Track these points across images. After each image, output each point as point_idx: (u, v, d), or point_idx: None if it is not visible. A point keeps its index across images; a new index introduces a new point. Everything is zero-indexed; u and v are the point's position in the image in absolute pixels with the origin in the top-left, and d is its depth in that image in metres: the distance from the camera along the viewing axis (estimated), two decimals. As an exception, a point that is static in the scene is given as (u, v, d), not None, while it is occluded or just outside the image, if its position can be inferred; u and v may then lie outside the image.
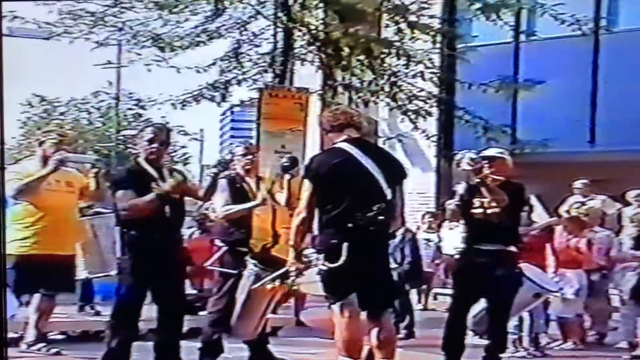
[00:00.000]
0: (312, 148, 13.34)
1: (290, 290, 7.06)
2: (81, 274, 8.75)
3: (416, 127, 15.70)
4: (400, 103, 15.54)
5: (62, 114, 31.46)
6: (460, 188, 8.25)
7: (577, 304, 10.28)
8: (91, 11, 15.18)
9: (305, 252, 6.44)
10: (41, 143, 8.28)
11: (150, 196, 7.11)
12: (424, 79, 15.39)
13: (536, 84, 15.67)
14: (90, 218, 8.70)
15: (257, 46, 15.56)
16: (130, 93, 29.51)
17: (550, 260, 10.21)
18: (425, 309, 12.87)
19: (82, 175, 8.23)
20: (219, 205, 7.96)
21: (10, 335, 7.80)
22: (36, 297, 7.94)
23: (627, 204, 12.41)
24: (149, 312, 7.40)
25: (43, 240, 7.88)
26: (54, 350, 8.13)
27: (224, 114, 16.38)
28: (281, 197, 7.74)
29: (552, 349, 10.17)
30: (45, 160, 8.03)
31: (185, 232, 10.97)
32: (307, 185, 6.37)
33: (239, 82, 15.73)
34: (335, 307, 6.27)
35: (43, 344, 8.11)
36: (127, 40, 15.66)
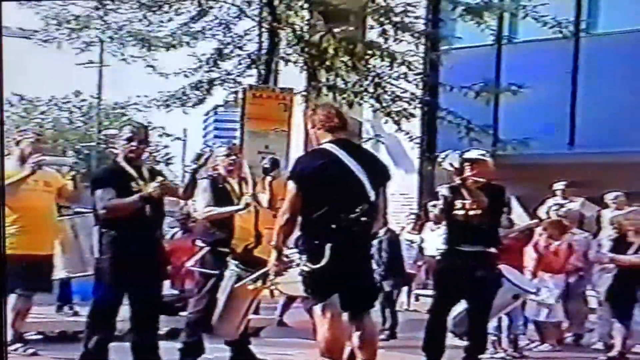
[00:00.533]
0: (296, 149, 13.41)
1: (271, 291, 7.06)
2: (60, 273, 8.70)
3: (400, 129, 15.70)
4: (384, 104, 15.53)
5: (42, 113, 31.35)
6: (442, 190, 8.29)
7: (558, 308, 10.27)
8: (76, 14, 15.06)
9: (288, 252, 6.39)
10: (18, 142, 8.25)
11: (133, 198, 7.10)
12: (407, 81, 15.39)
13: (518, 87, 15.64)
14: (70, 217, 8.62)
15: (240, 48, 15.49)
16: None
17: (530, 263, 10.17)
18: (407, 310, 12.85)
19: (60, 175, 8.26)
20: (201, 206, 7.94)
21: None
22: (12, 297, 7.87)
23: (605, 206, 12.40)
24: (127, 312, 7.37)
25: (20, 240, 7.80)
26: (30, 351, 8.14)
27: (207, 114, 16.32)
28: (263, 198, 7.78)
29: (530, 350, 10.17)
30: (22, 159, 8.00)
31: (168, 232, 10.98)
32: (291, 187, 6.30)
33: (222, 82, 15.68)
34: (317, 308, 6.24)
35: (20, 344, 8.10)
36: (110, 39, 15.53)
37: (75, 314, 9.46)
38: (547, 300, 10.02)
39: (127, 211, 7.12)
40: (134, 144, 7.31)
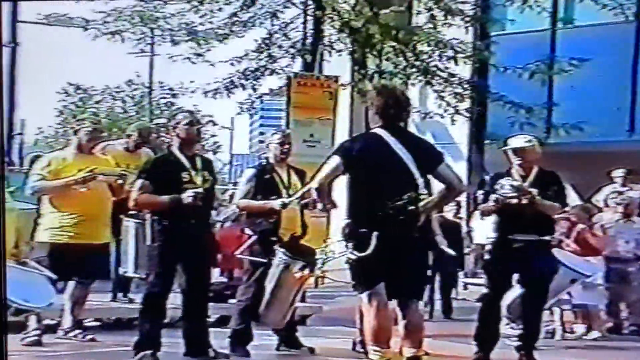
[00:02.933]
0: (342, 137, 13.42)
1: (316, 280, 7.12)
2: (120, 269, 8.79)
3: (457, 111, 15.59)
4: (435, 88, 15.50)
5: (97, 102, 31.73)
6: (490, 179, 8.26)
7: (601, 291, 10.26)
8: (130, 6, 15.25)
9: (335, 241, 6.44)
10: (76, 132, 8.41)
11: (163, 199, 7.24)
12: (456, 64, 15.32)
13: (579, 61, 15.51)
14: (129, 220, 8.78)
15: (286, 36, 15.55)
16: (162, 84, 29.68)
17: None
18: (455, 298, 12.84)
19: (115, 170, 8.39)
20: (237, 196, 8.09)
21: (48, 322, 8.01)
22: (70, 285, 8.02)
23: (664, 193, 12.33)
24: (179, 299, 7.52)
25: (78, 230, 7.97)
26: (89, 337, 8.23)
27: (253, 103, 16.42)
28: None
29: (580, 338, 10.14)
30: (80, 148, 8.19)
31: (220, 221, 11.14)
32: (333, 159, 6.29)
33: (270, 72, 15.75)
34: (364, 296, 6.26)
35: (79, 331, 8.20)
36: (161, 35, 15.70)
37: (130, 301, 9.56)
38: (596, 281, 9.95)
39: (156, 208, 7.30)
40: (194, 127, 7.48)
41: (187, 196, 7.16)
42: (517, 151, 8.05)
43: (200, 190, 7.27)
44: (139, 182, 7.37)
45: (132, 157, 9.09)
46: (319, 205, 6.73)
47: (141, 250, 8.07)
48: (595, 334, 10.24)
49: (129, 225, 8.36)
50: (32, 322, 7.80)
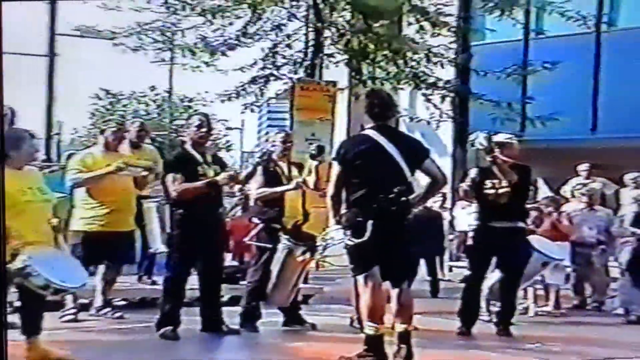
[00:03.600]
0: (339, 135, 13.44)
1: (317, 263, 7.11)
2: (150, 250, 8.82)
3: (442, 112, 15.54)
4: (422, 92, 15.45)
5: (124, 105, 31.84)
6: (473, 172, 8.28)
7: (568, 272, 10.25)
8: (152, 20, 15.14)
9: (334, 229, 6.39)
10: (102, 131, 8.47)
11: (200, 183, 7.26)
12: (442, 67, 15.26)
13: (551, 64, 15.39)
14: (149, 202, 8.70)
15: (289, 46, 15.49)
16: (183, 97, 29.76)
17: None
18: (441, 280, 12.82)
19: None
20: (254, 188, 8.01)
21: (82, 301, 7.99)
22: (101, 268, 8.03)
23: (624, 185, 12.32)
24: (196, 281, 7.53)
25: (108, 219, 7.96)
26: (117, 315, 8.22)
27: (261, 106, 16.46)
28: (310, 180, 7.81)
29: (551, 314, 10.07)
30: (107, 146, 8.19)
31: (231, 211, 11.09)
32: (335, 168, 6.34)
33: (275, 78, 15.71)
34: (360, 278, 6.24)
35: (109, 309, 8.20)
36: (181, 48, 15.61)
37: (153, 283, 9.56)
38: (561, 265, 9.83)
39: (194, 194, 7.24)
40: (203, 129, 7.47)
41: (222, 178, 7.33)
42: (499, 145, 8.03)
43: (234, 172, 7.56)
44: (171, 176, 7.35)
45: (139, 152, 8.90)
46: (331, 215, 6.54)
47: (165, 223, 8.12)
48: (562, 310, 10.21)
49: (150, 206, 8.49)
50: (69, 301, 7.78)
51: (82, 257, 7.32)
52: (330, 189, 6.37)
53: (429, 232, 10.96)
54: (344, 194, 6.32)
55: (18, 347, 6.01)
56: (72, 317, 7.83)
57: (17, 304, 6.24)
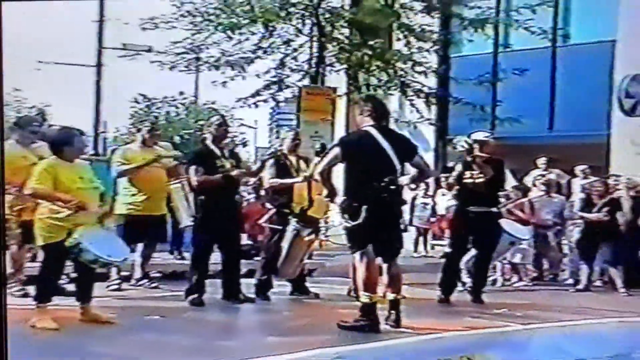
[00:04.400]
0: (339, 133, 13.42)
1: (320, 242, 7.14)
2: (186, 222, 8.68)
3: (422, 116, 15.50)
4: (408, 97, 15.42)
5: (157, 108, 31.93)
6: (455, 165, 8.28)
7: (529, 250, 10.20)
8: (183, 39, 15.14)
9: (334, 213, 6.39)
10: (139, 130, 8.50)
11: (218, 177, 7.26)
12: (426, 76, 15.24)
13: (521, 71, 15.29)
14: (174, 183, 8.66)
15: (296, 58, 15.47)
16: (211, 103, 29.80)
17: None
18: (425, 256, 12.83)
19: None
20: (266, 179, 8.00)
21: (124, 273, 7.98)
22: (139, 246, 8.03)
23: (574, 176, 12.28)
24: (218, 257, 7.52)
25: (144, 204, 7.94)
26: (153, 285, 8.22)
27: (272, 108, 16.48)
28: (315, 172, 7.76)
29: (512, 285, 10.07)
30: (143, 142, 8.18)
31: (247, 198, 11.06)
32: (334, 150, 6.32)
33: (285, 85, 15.70)
34: (357, 255, 6.25)
35: (146, 280, 8.21)
36: (207, 65, 15.54)
37: (182, 258, 9.57)
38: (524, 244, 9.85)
39: (212, 185, 7.24)
40: (222, 127, 7.51)
41: (235, 173, 7.32)
42: (477, 142, 8.07)
43: (244, 170, 7.45)
44: (193, 168, 7.36)
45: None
46: (325, 191, 6.60)
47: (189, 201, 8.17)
48: (524, 281, 10.19)
49: (176, 186, 8.39)
50: (114, 273, 7.81)
51: (124, 236, 7.33)
52: (320, 166, 6.37)
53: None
54: (343, 184, 6.30)
55: (74, 311, 6.08)
56: (116, 287, 7.84)
57: (73, 275, 6.25)
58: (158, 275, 8.75)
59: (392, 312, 6.19)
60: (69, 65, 26.01)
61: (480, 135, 8.30)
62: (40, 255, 6.35)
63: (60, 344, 5.50)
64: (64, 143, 6.18)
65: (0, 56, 3.72)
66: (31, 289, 6.56)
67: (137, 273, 8.15)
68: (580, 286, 9.78)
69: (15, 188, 6.68)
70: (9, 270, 7.10)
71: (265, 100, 15.75)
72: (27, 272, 7.07)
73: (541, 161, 12.69)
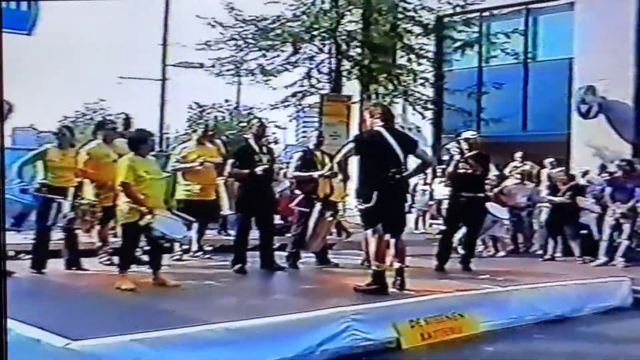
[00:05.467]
0: (353, 133, 13.36)
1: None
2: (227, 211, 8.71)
3: (423, 117, 15.43)
4: (411, 103, 15.37)
5: (207, 113, 32.07)
6: (451, 158, 8.23)
7: (507, 227, 10.24)
8: (229, 56, 15.15)
9: (351, 198, 6.35)
10: (194, 131, 8.62)
11: (245, 172, 7.18)
12: (424, 87, 15.17)
13: (499, 85, 15.45)
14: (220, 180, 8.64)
15: (319, 71, 15.42)
16: (249, 108, 29.85)
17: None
18: (424, 232, 12.80)
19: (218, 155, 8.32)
20: (291, 170, 8.02)
21: (184, 247, 7.98)
22: (195, 225, 7.96)
23: (543, 167, 12.35)
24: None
25: (199, 191, 7.93)
26: (206, 256, 8.22)
27: (298, 112, 16.40)
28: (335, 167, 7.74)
29: (494, 256, 10.05)
30: (198, 141, 8.14)
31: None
32: (349, 145, 6.29)
33: (309, 93, 15.67)
34: (369, 232, 6.22)
35: (201, 253, 8.21)
36: (246, 73, 15.50)
37: (228, 235, 9.55)
38: (504, 222, 9.85)
39: (240, 177, 7.24)
40: (261, 128, 7.55)
41: (259, 170, 7.19)
42: (467, 140, 8.04)
43: (266, 166, 7.27)
44: (231, 161, 7.38)
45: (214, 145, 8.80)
46: (340, 176, 6.56)
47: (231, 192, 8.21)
48: (503, 253, 10.19)
49: (221, 180, 8.36)
50: (176, 247, 7.83)
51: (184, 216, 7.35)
52: (337, 157, 6.32)
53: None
54: (357, 174, 6.24)
55: (147, 277, 6.11)
56: (178, 257, 7.87)
57: (146, 248, 6.29)
58: (210, 248, 8.78)
59: (398, 278, 6.16)
60: (140, 79, 26.27)
61: (468, 134, 8.27)
62: (121, 233, 6.37)
63: (136, 302, 5.54)
64: (140, 142, 6.22)
65: (0, 58, 3.17)
66: (115, 259, 6.65)
67: (194, 247, 8.16)
68: (547, 256, 9.82)
69: (99, 180, 6.71)
70: (98, 244, 7.21)
71: (294, 105, 15.74)
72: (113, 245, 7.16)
73: (517, 155, 12.69)
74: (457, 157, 8.03)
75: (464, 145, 7.97)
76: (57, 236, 6.96)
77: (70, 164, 6.85)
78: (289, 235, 8.18)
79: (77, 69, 53.33)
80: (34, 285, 6.26)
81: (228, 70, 15.44)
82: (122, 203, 6.04)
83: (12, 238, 7.24)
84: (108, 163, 6.72)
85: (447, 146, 8.38)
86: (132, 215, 5.97)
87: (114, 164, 6.45)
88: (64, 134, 6.97)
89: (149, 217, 5.92)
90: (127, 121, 8.15)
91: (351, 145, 6.30)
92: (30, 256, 6.89)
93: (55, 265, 6.80)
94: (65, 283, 6.36)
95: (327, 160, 7.76)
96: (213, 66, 15.38)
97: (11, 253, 7.89)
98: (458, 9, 15.02)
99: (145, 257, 6.37)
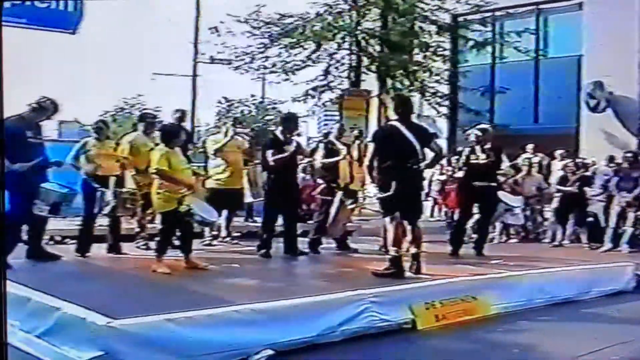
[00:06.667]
0: (372, 125, 13.36)
1: (360, 210, 7.07)
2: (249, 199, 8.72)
3: (438, 112, 15.33)
4: (427, 98, 15.28)
5: (235, 107, 32.18)
6: (464, 149, 8.16)
7: (519, 215, 10.07)
8: (256, 51, 15.04)
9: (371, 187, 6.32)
10: (224, 123, 8.55)
11: (284, 155, 7.14)
12: (439, 83, 15.07)
13: (506, 89, 15.45)
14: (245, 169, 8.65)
15: (338, 68, 15.39)
16: (273, 102, 29.91)
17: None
18: (438, 220, 12.75)
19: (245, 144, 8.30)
20: (318, 159, 7.98)
21: (213, 233, 8.05)
22: (224, 212, 8.02)
23: (553, 158, 12.28)
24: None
25: (228, 180, 7.91)
26: (234, 242, 8.27)
27: (321, 106, 16.51)
28: (354, 154, 7.80)
29: (505, 242, 10.03)
30: (226, 132, 8.14)
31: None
32: (371, 146, 6.23)
33: (330, 88, 15.64)
34: (387, 219, 6.18)
35: (229, 238, 8.25)
36: (270, 70, 15.47)
37: (254, 221, 9.57)
38: (516, 210, 9.71)
39: (284, 161, 7.13)
40: (291, 123, 7.45)
41: (281, 157, 7.13)
42: (481, 132, 8.00)
43: (295, 150, 7.27)
44: (271, 151, 7.21)
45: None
46: (368, 177, 6.49)
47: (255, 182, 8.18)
48: (514, 239, 10.17)
49: (246, 171, 8.33)
50: (207, 232, 7.88)
51: (214, 204, 7.38)
52: (366, 161, 6.28)
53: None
54: (376, 164, 6.21)
55: (179, 260, 6.17)
56: (208, 242, 7.92)
57: (178, 234, 6.33)
58: (237, 234, 8.81)
59: (414, 262, 6.11)
60: (173, 75, 26.41)
61: (483, 127, 8.22)
62: (158, 219, 6.40)
63: (170, 283, 5.59)
64: (173, 135, 6.25)
65: (0, 58, 3.03)
66: (151, 244, 6.73)
67: (223, 232, 8.20)
68: (556, 242, 9.75)
69: (139, 167, 6.75)
70: (136, 230, 7.28)
71: (313, 97, 15.74)
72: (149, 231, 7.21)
73: (529, 147, 12.57)
74: (469, 149, 7.99)
75: (478, 137, 7.90)
76: (98, 222, 7.05)
77: (108, 154, 6.94)
78: (311, 222, 8.17)
79: (115, 66, 53.78)
80: (79, 268, 6.36)
81: (252, 66, 15.48)
82: (158, 191, 6.08)
83: (57, 224, 7.33)
84: (146, 152, 6.78)
85: (467, 133, 8.28)
86: (170, 203, 6.01)
87: (150, 152, 6.50)
88: (100, 127, 7.07)
89: (188, 203, 5.97)
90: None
91: (373, 145, 6.23)
92: (74, 241, 7.00)
93: (98, 250, 6.90)
94: (106, 266, 6.45)
95: (347, 150, 7.74)
96: (239, 65, 15.42)
97: (58, 238, 8.06)
98: (473, 9, 14.91)
99: (178, 242, 6.42)
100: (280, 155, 7.10)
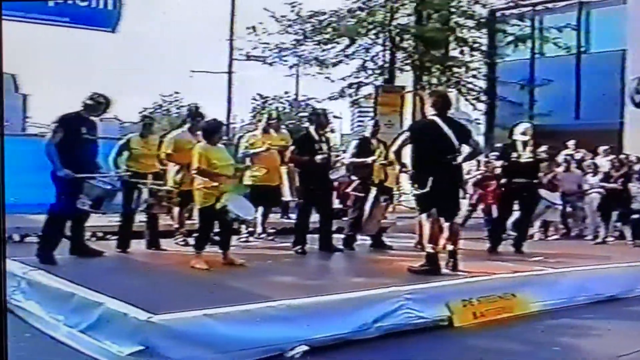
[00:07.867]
0: (407, 122, 13.30)
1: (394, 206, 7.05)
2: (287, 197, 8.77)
3: (475, 108, 15.17)
4: (463, 94, 15.13)
5: (270, 104, 32.43)
6: (502, 147, 8.14)
7: (560, 212, 9.92)
8: (291, 46, 15.15)
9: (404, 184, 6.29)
10: (259, 121, 8.49)
11: (305, 158, 7.19)
12: (477, 78, 14.91)
13: (548, 81, 15.14)
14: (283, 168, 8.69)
15: (374, 63, 15.33)
16: (307, 99, 29.96)
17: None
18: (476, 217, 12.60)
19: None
20: (348, 157, 8.00)
21: (250, 230, 8.12)
22: (260, 208, 8.06)
23: (596, 154, 11.85)
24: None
25: (265, 177, 7.95)
26: (270, 238, 8.31)
27: (354, 102, 16.43)
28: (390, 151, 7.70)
29: (547, 239, 9.87)
30: (263, 130, 8.15)
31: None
32: (405, 134, 6.20)
33: (365, 84, 15.62)
34: (423, 216, 6.18)
35: (265, 235, 8.30)
36: (303, 63, 15.54)
37: (289, 218, 9.57)
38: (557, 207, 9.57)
39: (299, 163, 7.23)
40: (322, 119, 7.45)
41: (318, 158, 7.18)
42: (523, 130, 7.95)
43: (325, 155, 7.27)
44: (291, 147, 7.41)
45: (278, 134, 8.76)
46: (397, 166, 6.44)
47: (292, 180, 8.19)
48: (556, 236, 10.03)
49: (283, 169, 8.29)
50: (243, 229, 7.96)
51: (250, 200, 7.45)
52: (394, 146, 6.24)
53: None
54: (413, 161, 6.15)
55: (217, 256, 6.26)
56: (245, 239, 7.99)
57: (216, 230, 6.42)
58: (273, 230, 8.87)
59: (451, 259, 6.11)
60: (209, 72, 26.75)
61: (524, 124, 8.15)
62: (198, 216, 6.49)
63: (208, 279, 5.68)
64: (213, 132, 6.33)
65: (0, 57, 3.04)
66: (190, 240, 6.83)
67: (259, 229, 8.25)
68: (598, 240, 9.63)
69: (182, 164, 6.85)
70: (175, 226, 7.40)
71: (350, 95, 15.71)
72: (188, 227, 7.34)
73: (570, 143, 12.37)
74: (510, 146, 7.92)
75: (519, 135, 7.84)
76: (138, 219, 7.19)
77: (151, 152, 7.07)
78: (345, 219, 8.19)
79: (153, 64, 54.57)
80: (121, 263, 6.52)
81: (287, 62, 15.56)
82: (199, 188, 6.17)
83: (98, 220, 7.51)
84: (189, 150, 6.85)
85: (514, 129, 8.18)
86: (209, 200, 6.10)
87: (192, 150, 6.58)
88: (146, 123, 7.20)
89: (224, 200, 6.06)
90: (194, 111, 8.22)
91: (407, 134, 6.24)
92: (116, 237, 7.17)
93: (138, 246, 7.06)
94: (147, 262, 6.59)
95: (382, 147, 7.72)
96: (273, 61, 15.51)
97: (99, 234, 8.25)
98: (511, 3, 14.73)
99: (217, 238, 6.49)
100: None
